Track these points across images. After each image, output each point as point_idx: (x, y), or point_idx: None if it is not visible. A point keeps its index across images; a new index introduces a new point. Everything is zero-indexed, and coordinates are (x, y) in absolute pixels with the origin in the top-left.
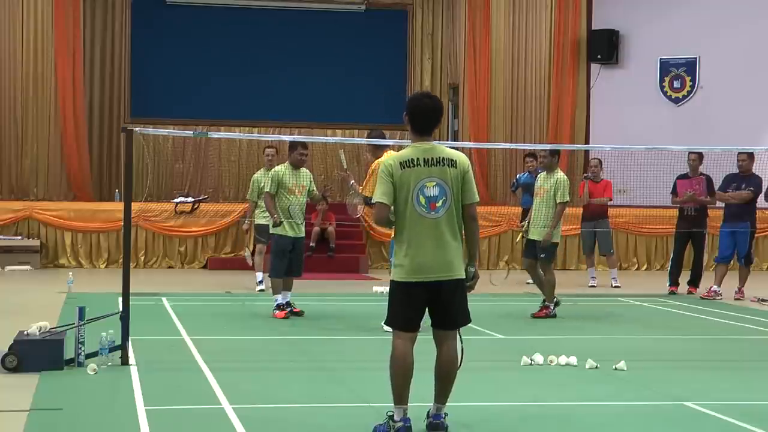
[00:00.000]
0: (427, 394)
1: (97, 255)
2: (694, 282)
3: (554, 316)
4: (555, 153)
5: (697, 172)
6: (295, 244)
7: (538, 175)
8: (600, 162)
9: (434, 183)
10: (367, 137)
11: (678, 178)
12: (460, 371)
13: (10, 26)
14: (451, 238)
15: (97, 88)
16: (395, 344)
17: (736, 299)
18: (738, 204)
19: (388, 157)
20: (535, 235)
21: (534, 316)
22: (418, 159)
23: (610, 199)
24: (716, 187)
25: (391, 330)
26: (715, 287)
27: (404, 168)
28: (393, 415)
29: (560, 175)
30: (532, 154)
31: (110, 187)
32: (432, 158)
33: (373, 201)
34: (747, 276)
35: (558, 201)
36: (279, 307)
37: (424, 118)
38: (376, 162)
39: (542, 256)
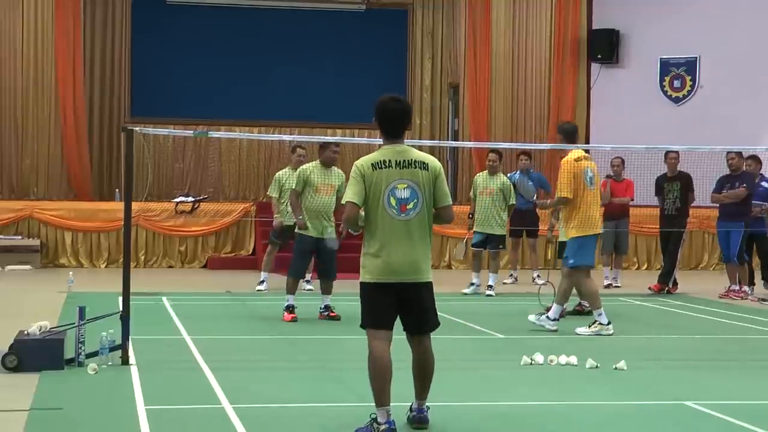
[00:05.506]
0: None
1: (98, 254)
2: (662, 279)
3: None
4: None
5: (675, 171)
6: (319, 244)
7: None
8: (622, 161)
9: (405, 185)
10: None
11: (658, 178)
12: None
13: (10, 26)
14: (420, 241)
15: (97, 88)
16: (371, 345)
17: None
18: (732, 203)
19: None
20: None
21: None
22: (390, 161)
23: (632, 199)
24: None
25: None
26: (746, 288)
27: (375, 169)
28: (377, 418)
29: None
30: (526, 152)
31: (110, 187)
32: (404, 160)
33: (343, 201)
34: (745, 274)
35: None
36: (288, 309)
37: (393, 122)
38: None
39: None
